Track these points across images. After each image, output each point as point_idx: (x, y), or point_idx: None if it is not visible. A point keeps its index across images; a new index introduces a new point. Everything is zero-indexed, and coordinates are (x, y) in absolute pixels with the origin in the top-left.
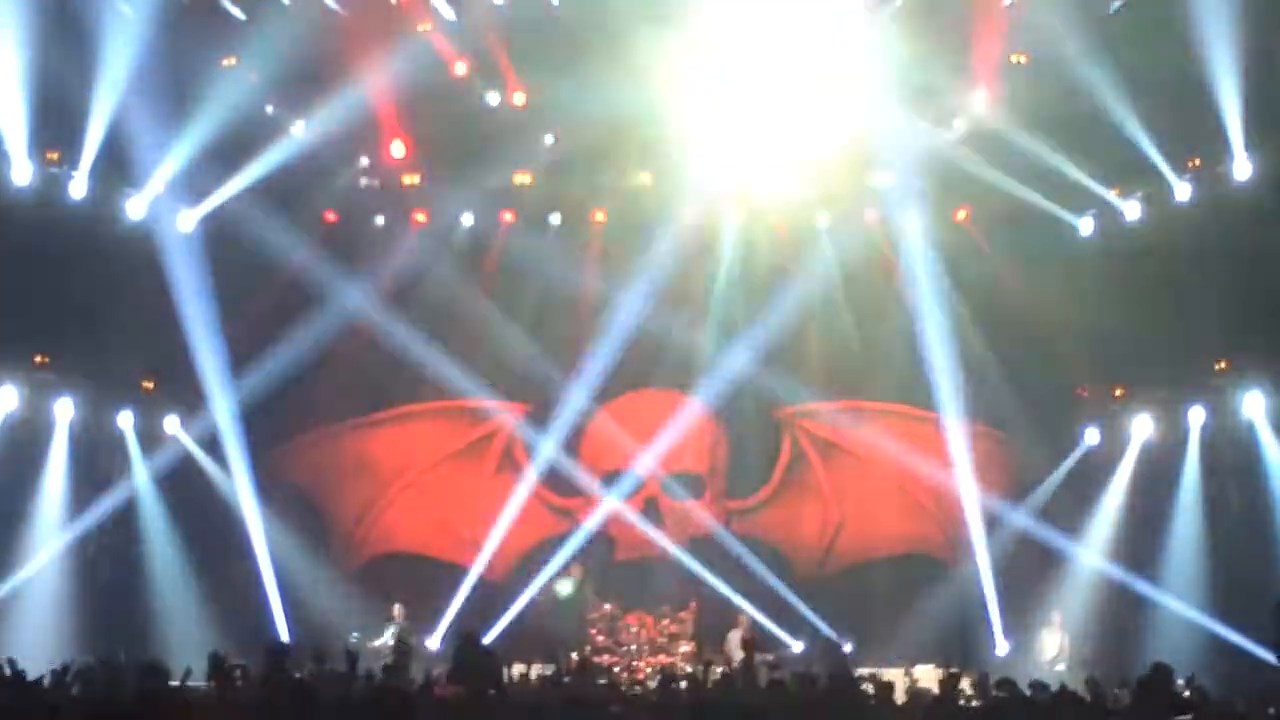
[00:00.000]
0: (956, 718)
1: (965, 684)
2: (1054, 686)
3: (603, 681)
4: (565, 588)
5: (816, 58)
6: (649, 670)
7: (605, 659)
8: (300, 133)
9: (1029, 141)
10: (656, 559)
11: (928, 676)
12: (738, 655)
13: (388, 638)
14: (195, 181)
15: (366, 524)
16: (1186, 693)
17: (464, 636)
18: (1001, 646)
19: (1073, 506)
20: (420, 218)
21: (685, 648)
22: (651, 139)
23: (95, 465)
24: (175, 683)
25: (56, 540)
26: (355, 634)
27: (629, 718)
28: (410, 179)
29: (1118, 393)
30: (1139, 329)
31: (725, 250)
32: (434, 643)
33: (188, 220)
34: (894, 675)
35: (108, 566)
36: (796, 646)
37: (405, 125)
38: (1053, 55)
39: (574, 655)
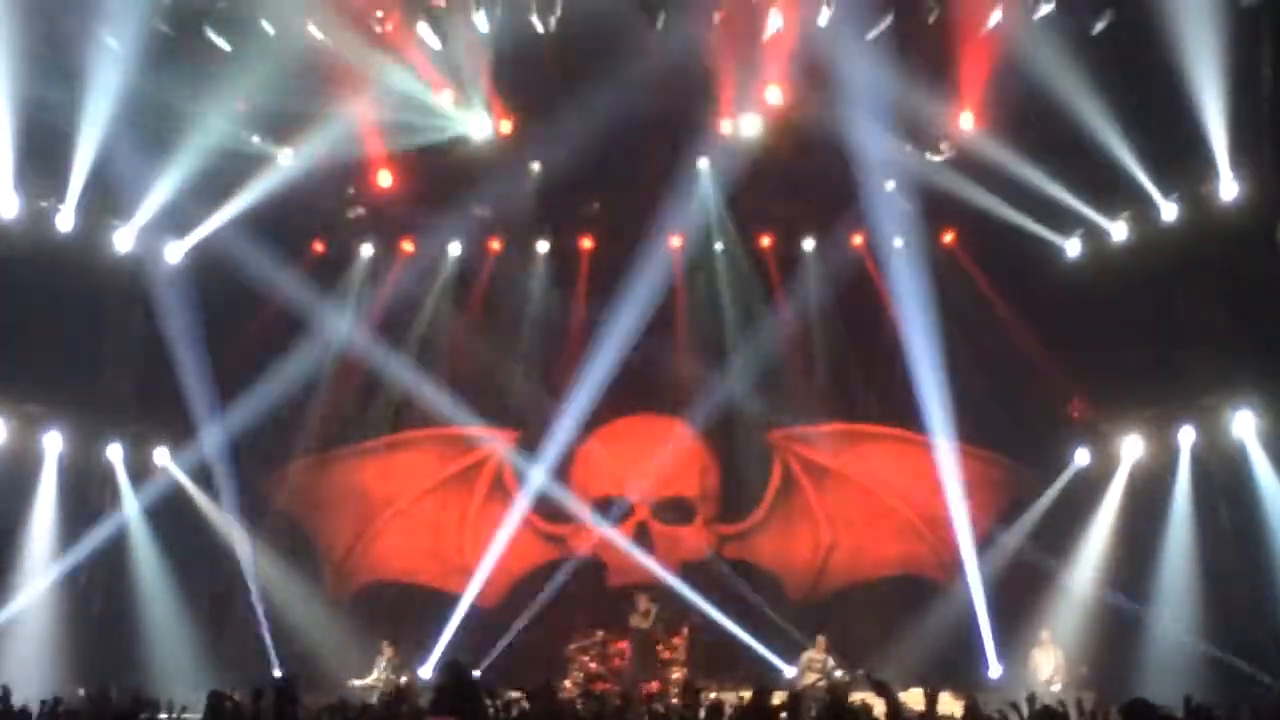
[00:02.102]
0: None
1: (957, 707)
2: (1052, 705)
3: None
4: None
5: (802, 81)
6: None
7: (598, 685)
8: (287, 163)
9: (1016, 164)
10: (648, 584)
11: (917, 699)
12: (808, 678)
13: (377, 675)
14: (182, 213)
15: (357, 552)
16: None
17: (448, 666)
18: (995, 669)
19: (1064, 527)
20: (408, 247)
21: (677, 674)
22: (638, 165)
23: (85, 498)
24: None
25: (47, 573)
26: (353, 681)
27: None
28: (397, 208)
29: (1107, 413)
30: (1128, 349)
31: (714, 274)
32: (426, 672)
33: (175, 251)
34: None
35: (99, 599)
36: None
37: (392, 154)
38: (1038, 77)
39: (566, 683)
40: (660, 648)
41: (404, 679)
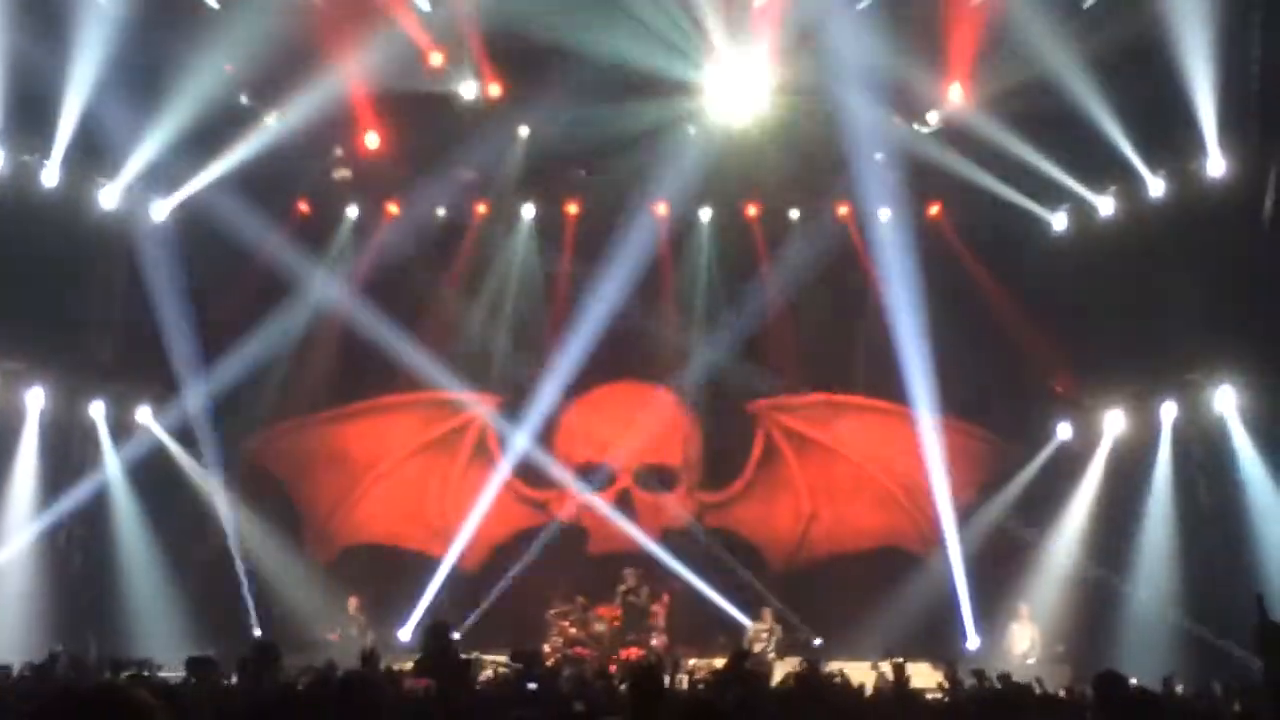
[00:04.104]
0: (924, 712)
1: (936, 678)
2: (1025, 680)
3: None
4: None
5: (791, 51)
6: (619, 662)
7: (578, 651)
8: (274, 123)
9: (1003, 137)
10: (629, 551)
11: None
12: (755, 649)
13: (343, 630)
14: (168, 171)
15: (340, 515)
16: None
17: (432, 628)
18: (973, 641)
19: (1045, 501)
20: (393, 209)
21: (657, 640)
22: (626, 129)
23: (66, 456)
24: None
25: (27, 531)
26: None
27: (595, 713)
28: (383, 170)
29: (1090, 387)
30: (1112, 324)
31: (699, 243)
32: (405, 634)
33: (161, 210)
34: (863, 669)
35: (79, 557)
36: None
37: (379, 116)
38: (1027, 50)
39: (545, 648)
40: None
41: (370, 636)
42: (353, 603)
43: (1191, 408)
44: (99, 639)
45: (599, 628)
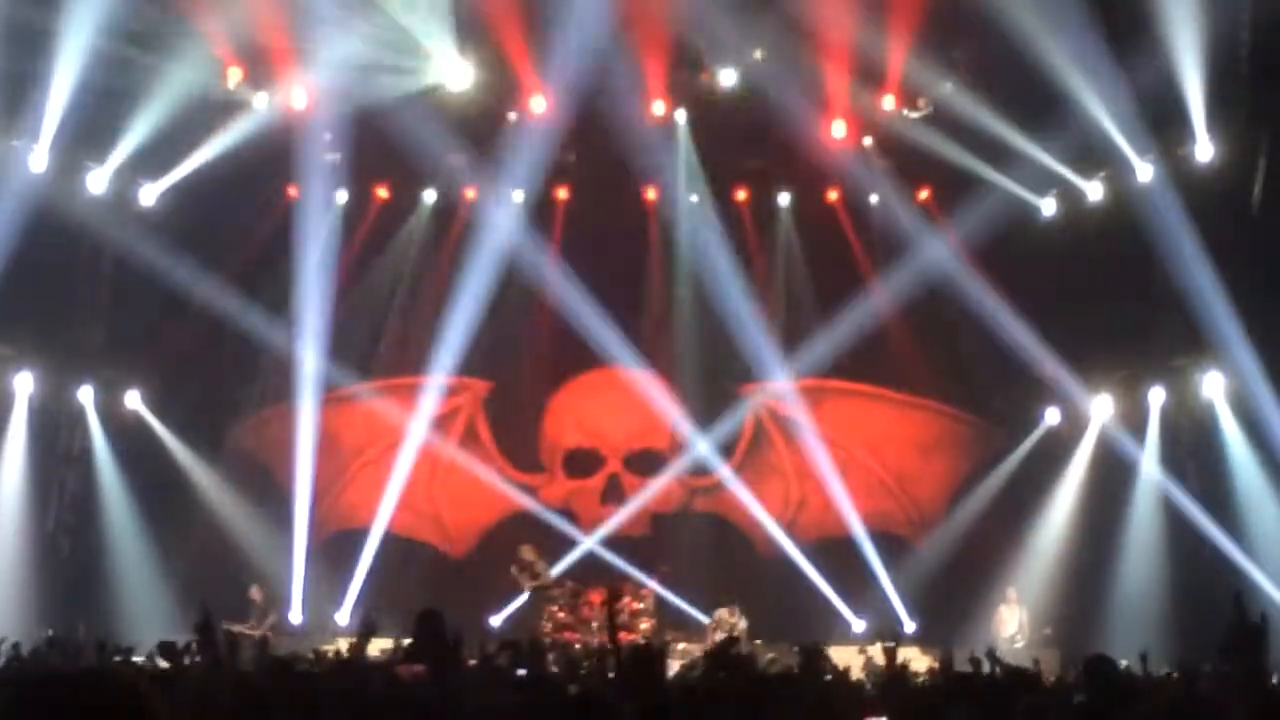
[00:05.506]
0: (912, 695)
1: (928, 661)
2: (1013, 664)
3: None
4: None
5: (780, 35)
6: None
7: (567, 635)
8: (263, 106)
9: (992, 122)
10: (619, 536)
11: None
12: (718, 635)
13: (252, 621)
14: (157, 155)
15: (328, 500)
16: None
17: (425, 615)
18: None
19: (1033, 486)
20: (383, 193)
21: (646, 624)
22: (614, 115)
23: (55, 440)
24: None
25: (16, 515)
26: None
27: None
28: (373, 154)
29: (1078, 373)
30: (1100, 310)
31: (689, 227)
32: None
33: (149, 194)
34: (850, 654)
35: (67, 543)
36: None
37: (368, 101)
38: (1017, 35)
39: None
40: (557, 601)
41: (270, 620)
42: (255, 592)
43: (1180, 393)
44: (88, 624)
45: (589, 612)
